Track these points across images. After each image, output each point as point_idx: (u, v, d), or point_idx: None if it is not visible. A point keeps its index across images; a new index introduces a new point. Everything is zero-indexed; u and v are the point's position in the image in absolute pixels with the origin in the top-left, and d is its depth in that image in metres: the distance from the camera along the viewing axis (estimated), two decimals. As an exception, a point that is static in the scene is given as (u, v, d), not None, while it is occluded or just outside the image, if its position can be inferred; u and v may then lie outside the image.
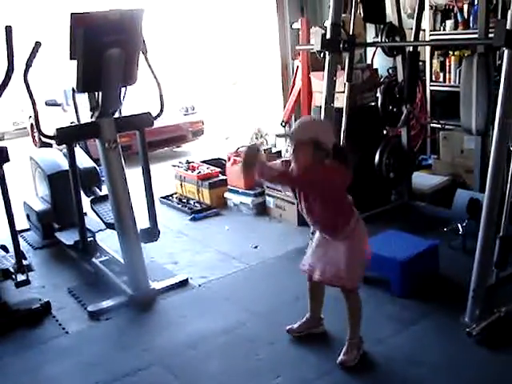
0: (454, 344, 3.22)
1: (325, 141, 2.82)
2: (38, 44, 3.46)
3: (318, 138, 2.81)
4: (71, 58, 3.45)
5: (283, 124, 6.88)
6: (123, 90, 3.79)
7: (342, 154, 2.89)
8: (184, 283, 4.23)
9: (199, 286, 4.23)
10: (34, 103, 3.67)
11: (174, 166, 6.63)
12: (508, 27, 3.10)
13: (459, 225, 4.39)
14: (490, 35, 3.62)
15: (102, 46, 3.43)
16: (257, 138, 8.14)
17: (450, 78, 6.01)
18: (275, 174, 2.90)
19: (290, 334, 3.39)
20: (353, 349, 3.11)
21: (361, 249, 3.05)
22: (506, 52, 3.18)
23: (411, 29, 4.79)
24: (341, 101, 4.77)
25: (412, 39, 4.81)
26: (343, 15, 4.66)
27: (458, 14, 5.75)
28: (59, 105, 8.91)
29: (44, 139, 3.81)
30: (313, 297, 3.33)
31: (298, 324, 3.40)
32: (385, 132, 5.57)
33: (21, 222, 5.06)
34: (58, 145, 3.85)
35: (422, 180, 5.57)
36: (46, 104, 8.72)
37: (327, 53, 4.51)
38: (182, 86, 10.41)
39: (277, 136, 2.64)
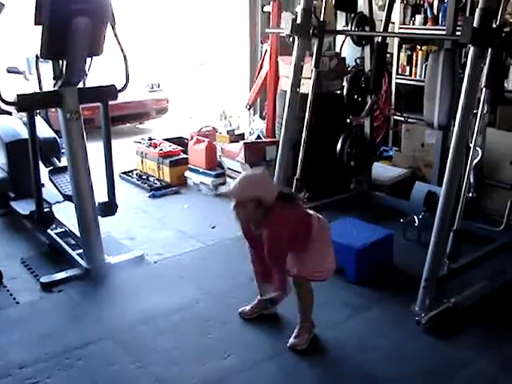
0: (404, 331, 3.29)
1: (265, 198, 2.86)
2: (1, 6, 3.37)
3: (258, 197, 2.85)
4: (36, 24, 3.37)
5: (248, 107, 6.87)
6: (88, 60, 3.72)
7: (291, 199, 2.99)
8: (140, 259, 4.21)
9: (155, 262, 4.22)
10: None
11: (136, 142, 6.56)
12: (475, 25, 3.14)
13: (415, 217, 4.46)
14: (458, 32, 3.66)
15: (69, 14, 3.35)
16: (221, 120, 8.12)
17: (416, 72, 6.09)
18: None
19: (242, 316, 3.41)
20: (304, 332, 3.14)
21: (324, 247, 3.09)
22: (471, 49, 3.23)
23: (381, 21, 4.81)
24: (307, 87, 4.77)
25: (381, 30, 4.84)
26: (315, 1, 4.66)
27: (428, 10, 5.82)
28: (21, 73, 8.68)
29: (3, 106, 3.73)
30: (259, 277, 3.34)
31: (249, 306, 3.42)
32: (348, 121, 5.61)
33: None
34: (18, 111, 3.78)
35: (382, 171, 5.64)
36: (7, 71, 8.51)
37: (296, 38, 4.51)
38: (148, 63, 10.27)
39: (217, 195, 2.69)
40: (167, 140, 6.59)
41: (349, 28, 5.21)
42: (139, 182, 6.10)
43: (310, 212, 3.08)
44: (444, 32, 4.71)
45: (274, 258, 2.94)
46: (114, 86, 3.94)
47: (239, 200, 2.88)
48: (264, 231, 2.90)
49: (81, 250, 4.10)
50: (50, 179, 4.58)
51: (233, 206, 2.89)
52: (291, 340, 3.12)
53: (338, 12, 6.41)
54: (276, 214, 2.88)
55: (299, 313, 3.15)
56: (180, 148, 6.28)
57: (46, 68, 3.87)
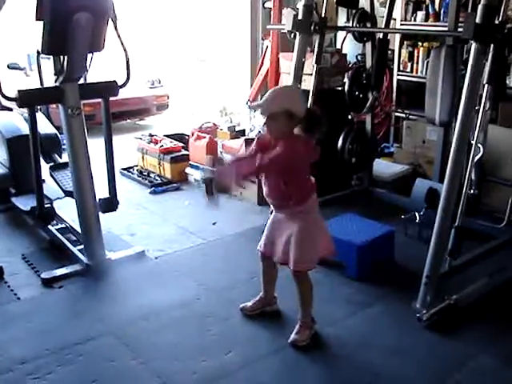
0: (405, 328, 3.29)
1: (297, 110, 2.82)
2: (1, 1, 3.36)
3: (289, 109, 2.80)
4: (37, 19, 3.36)
5: (249, 103, 6.86)
6: (90, 56, 3.72)
7: (316, 120, 2.91)
8: (140, 255, 4.21)
9: (155, 258, 4.22)
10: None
11: (137, 138, 6.56)
12: (477, 21, 3.13)
13: (416, 213, 4.46)
14: (460, 29, 3.66)
15: (71, 9, 3.35)
16: (222, 116, 8.11)
17: (417, 69, 6.09)
18: (251, 173, 2.96)
19: (243, 312, 3.40)
20: (304, 328, 3.13)
21: (313, 233, 3.04)
22: (473, 45, 3.22)
23: (383, 17, 4.80)
24: (308, 83, 4.77)
25: (383, 27, 4.83)
26: (316, -3, 4.65)
27: (430, 6, 5.81)
28: (22, 69, 8.68)
29: (5, 101, 3.72)
30: (266, 277, 3.33)
31: (251, 302, 3.41)
32: (349, 117, 5.60)
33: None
34: (19, 107, 3.76)
35: (384, 167, 5.64)
36: (8, 67, 8.51)
37: (297, 34, 4.50)
38: (149, 59, 10.27)
39: (250, 108, 2.59)
40: (168, 136, 6.58)
41: (350, 24, 5.20)
42: (140, 179, 6.10)
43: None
44: (446, 28, 4.70)
45: (273, 164, 2.83)
46: (115, 81, 3.94)
47: (271, 112, 2.83)
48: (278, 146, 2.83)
49: (81, 246, 4.10)
50: (51, 175, 4.57)
51: (265, 119, 2.86)
52: (292, 336, 3.12)
53: (340, 8, 6.40)
54: (296, 138, 2.87)
55: (299, 307, 3.15)
56: (181, 144, 6.28)
57: (47, 64, 3.87)
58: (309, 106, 4.55)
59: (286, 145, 2.80)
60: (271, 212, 3.21)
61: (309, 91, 4.64)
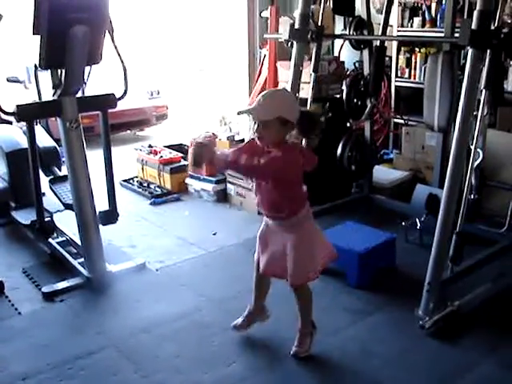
0: (407, 336, 3.27)
1: (289, 116, 2.69)
2: (-1, 15, 3.37)
3: (282, 115, 2.67)
4: (34, 34, 3.36)
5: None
6: (87, 69, 3.72)
7: (312, 121, 2.80)
8: (141, 267, 4.20)
9: (156, 270, 4.21)
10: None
11: (136, 149, 6.56)
12: (473, 27, 3.13)
13: (417, 219, 4.45)
14: (456, 34, 3.66)
15: (67, 23, 3.35)
16: (221, 126, 8.10)
17: (415, 75, 6.09)
18: (226, 164, 2.80)
19: (237, 330, 3.28)
20: (305, 339, 3.08)
21: (310, 243, 2.94)
22: (469, 51, 3.23)
23: (379, 24, 4.81)
24: (306, 91, 4.77)
25: (380, 34, 4.84)
26: (312, 6, 4.67)
27: (426, 12, 5.82)
28: (21, 82, 8.69)
29: (3, 116, 3.72)
30: (258, 287, 3.23)
31: (241, 318, 3.29)
32: (348, 124, 5.60)
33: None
34: (18, 121, 3.77)
35: (383, 174, 5.63)
36: (7, 80, 8.52)
37: (295, 42, 4.51)
38: (148, 69, 10.29)
39: (238, 113, 2.44)
40: (167, 147, 6.59)
41: (347, 32, 5.21)
42: (140, 190, 6.10)
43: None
44: (442, 34, 4.71)
45: (266, 169, 2.70)
46: (113, 94, 3.94)
47: (263, 119, 2.70)
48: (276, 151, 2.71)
49: (82, 259, 4.09)
50: (51, 188, 4.58)
51: (256, 126, 2.72)
52: (293, 348, 3.07)
53: (336, 16, 6.41)
54: (290, 147, 2.76)
55: (299, 317, 3.09)
56: (180, 155, 6.28)
57: (46, 76, 3.87)
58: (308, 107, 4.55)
59: (281, 152, 2.69)
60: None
61: (307, 99, 4.64)
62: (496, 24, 3.29)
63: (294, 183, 2.86)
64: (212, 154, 2.77)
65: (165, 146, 6.58)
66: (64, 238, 4.52)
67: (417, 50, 6.03)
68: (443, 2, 5.52)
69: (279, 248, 2.93)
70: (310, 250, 2.94)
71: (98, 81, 4.28)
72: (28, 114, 3.70)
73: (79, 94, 3.83)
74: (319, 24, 4.64)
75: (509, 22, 4.94)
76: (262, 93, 2.81)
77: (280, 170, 2.71)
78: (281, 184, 2.79)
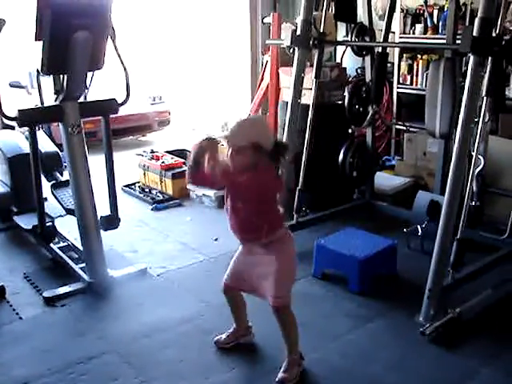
0: (408, 342, 3.27)
1: (265, 143, 2.69)
2: (1, 21, 3.38)
3: (257, 141, 2.67)
4: (37, 39, 3.38)
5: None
6: (90, 74, 3.74)
7: (283, 150, 2.78)
8: (143, 272, 4.20)
9: (158, 275, 4.21)
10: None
11: (138, 154, 6.57)
12: (475, 34, 3.14)
13: (419, 226, 4.45)
14: (458, 41, 3.67)
15: (70, 29, 3.36)
16: (223, 131, 8.11)
17: (417, 81, 6.11)
18: (219, 171, 2.71)
19: (217, 346, 3.25)
20: (293, 366, 2.95)
21: (290, 265, 2.92)
22: (471, 58, 3.23)
23: (381, 30, 4.82)
24: (308, 97, 4.78)
25: (381, 40, 4.85)
26: (315, 12, 4.68)
27: (428, 19, 5.84)
28: (24, 87, 8.71)
29: (6, 121, 3.73)
30: (234, 309, 3.22)
31: (225, 335, 3.27)
32: (350, 131, 5.60)
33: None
34: (20, 127, 3.78)
35: (385, 180, 5.63)
36: (9, 85, 8.54)
37: (296, 49, 4.52)
38: (150, 75, 10.31)
39: (212, 139, 2.42)
40: (169, 152, 6.59)
41: (349, 38, 5.22)
42: (142, 195, 6.10)
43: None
44: (444, 41, 4.72)
45: (245, 195, 2.74)
46: (114, 99, 3.95)
47: (237, 145, 2.68)
48: (247, 179, 2.68)
49: (83, 264, 4.09)
50: (53, 193, 4.58)
51: (230, 152, 2.69)
52: (280, 375, 2.92)
53: (338, 22, 6.42)
54: (265, 168, 2.72)
55: (285, 344, 2.98)
56: (182, 160, 6.29)
57: (48, 81, 3.88)
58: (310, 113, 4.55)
59: (258, 171, 2.69)
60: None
61: (309, 106, 4.65)
62: (497, 31, 3.30)
63: (272, 199, 2.84)
64: (215, 151, 2.70)
65: (167, 152, 6.58)
66: (65, 243, 4.53)
67: (419, 56, 6.05)
68: (445, 8, 5.54)
69: (261, 270, 2.88)
70: (292, 272, 2.94)
71: (100, 86, 4.30)
72: (30, 119, 3.70)
73: (81, 99, 3.85)
74: (321, 30, 4.65)
75: (510, 29, 4.95)
76: (237, 119, 2.81)
77: (263, 186, 2.72)
78: (260, 200, 2.76)
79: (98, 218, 4.02)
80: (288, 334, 2.96)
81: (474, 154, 3.45)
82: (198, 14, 10.19)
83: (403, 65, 6.21)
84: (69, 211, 4.33)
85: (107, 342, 3.33)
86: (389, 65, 5.53)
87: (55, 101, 3.74)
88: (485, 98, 3.40)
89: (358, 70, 6.48)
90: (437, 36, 5.70)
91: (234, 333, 3.26)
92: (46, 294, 3.83)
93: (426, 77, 5.11)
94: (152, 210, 5.72)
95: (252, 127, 2.80)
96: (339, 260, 3.90)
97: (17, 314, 3.68)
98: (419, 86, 6.03)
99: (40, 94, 4.31)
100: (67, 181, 4.20)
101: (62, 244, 4.53)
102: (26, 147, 4.68)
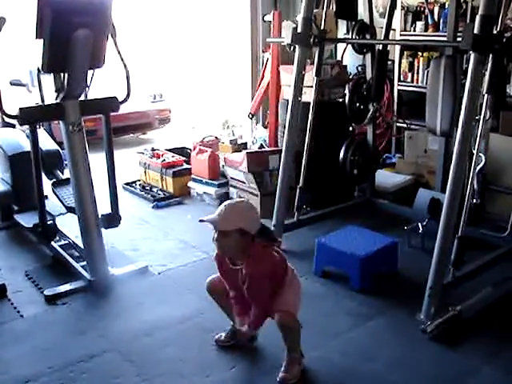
0: (409, 340, 3.27)
1: (250, 228, 2.76)
2: (2, 20, 3.38)
3: (243, 227, 2.74)
4: (37, 37, 3.37)
5: (250, 116, 6.87)
6: (90, 72, 3.73)
7: (268, 236, 2.87)
8: (143, 271, 4.20)
9: (159, 273, 4.21)
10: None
11: (139, 152, 6.57)
12: (475, 31, 3.14)
13: (419, 224, 4.45)
14: (459, 39, 3.67)
15: (70, 27, 3.36)
16: (224, 129, 8.12)
17: (417, 79, 6.09)
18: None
19: (217, 345, 3.25)
20: (293, 365, 2.94)
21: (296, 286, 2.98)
22: (472, 55, 3.23)
23: (382, 28, 4.82)
24: (309, 95, 4.77)
25: (382, 38, 4.85)
26: (315, 10, 4.66)
27: (429, 16, 5.82)
28: (24, 85, 8.69)
29: (6, 119, 3.73)
30: (224, 308, 3.21)
31: (225, 334, 3.27)
32: (351, 129, 5.60)
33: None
34: (21, 125, 3.78)
35: (386, 178, 5.63)
36: (10, 84, 8.53)
37: (297, 47, 4.51)
38: (151, 73, 10.32)
39: (200, 221, 2.51)
40: (170, 150, 6.59)
41: (350, 36, 5.22)
42: (142, 193, 6.10)
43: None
44: (445, 38, 4.71)
45: (255, 296, 2.87)
46: (115, 97, 3.95)
47: (223, 229, 2.76)
48: (245, 268, 2.81)
49: (84, 262, 4.09)
50: (53, 191, 4.58)
51: (216, 236, 2.78)
52: (280, 374, 2.92)
53: (339, 20, 6.41)
54: (257, 249, 2.80)
55: (286, 346, 2.94)
56: (183, 158, 6.29)
57: (49, 79, 3.88)
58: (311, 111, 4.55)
59: (251, 259, 2.79)
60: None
61: (309, 104, 4.64)
62: (498, 28, 3.29)
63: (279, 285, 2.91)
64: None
65: (167, 150, 6.58)
66: (66, 241, 4.53)
67: (419, 54, 6.03)
68: (446, 6, 5.52)
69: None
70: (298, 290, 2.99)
71: (101, 84, 4.30)
72: (30, 117, 3.70)
73: (82, 98, 3.84)
74: (322, 28, 4.64)
75: (511, 26, 4.94)
76: (224, 203, 2.85)
77: (266, 278, 2.82)
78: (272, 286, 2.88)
79: (99, 216, 4.02)
80: (291, 341, 2.94)
81: (474, 151, 3.45)
82: (198, 11, 10.19)
83: (404, 62, 6.19)
84: (69, 209, 4.33)
85: (108, 341, 3.33)
86: (389, 62, 5.52)
87: (56, 99, 3.74)
88: (485, 95, 3.40)
89: (359, 68, 6.45)
90: (437, 33, 5.68)
91: (233, 332, 3.25)
92: (46, 293, 3.83)
93: (427, 74, 5.09)
94: (153, 208, 5.72)
95: (237, 212, 2.82)
96: (340, 258, 3.90)
97: (18, 312, 3.68)
98: (420, 84, 6.01)
99: (41, 92, 4.32)
100: (68, 179, 4.21)
101: (62, 242, 4.53)
102: (26, 145, 4.68)
